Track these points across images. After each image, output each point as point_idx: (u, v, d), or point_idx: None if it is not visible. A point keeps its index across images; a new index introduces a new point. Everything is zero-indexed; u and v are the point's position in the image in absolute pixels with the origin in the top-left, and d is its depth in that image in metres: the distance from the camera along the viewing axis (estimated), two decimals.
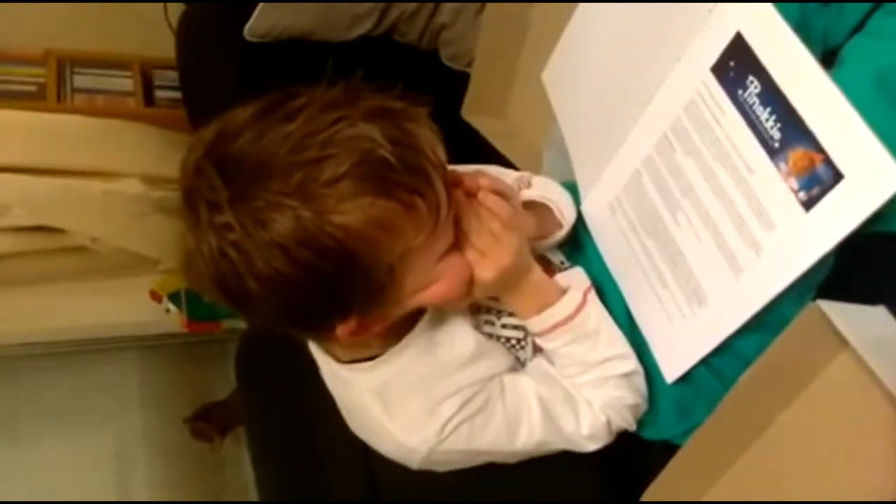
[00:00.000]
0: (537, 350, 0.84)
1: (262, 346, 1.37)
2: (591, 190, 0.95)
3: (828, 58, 0.78)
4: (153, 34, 2.03)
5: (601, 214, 0.93)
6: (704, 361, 0.80)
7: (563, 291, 0.80)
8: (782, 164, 0.68)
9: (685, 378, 0.83)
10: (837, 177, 0.64)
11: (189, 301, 1.93)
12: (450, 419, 0.75)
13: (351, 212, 0.59)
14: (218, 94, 1.70)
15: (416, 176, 0.62)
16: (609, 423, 0.81)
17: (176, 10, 1.96)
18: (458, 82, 1.58)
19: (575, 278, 0.83)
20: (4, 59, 2.04)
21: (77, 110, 1.95)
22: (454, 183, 0.69)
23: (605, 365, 0.81)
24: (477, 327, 0.81)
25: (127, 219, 1.84)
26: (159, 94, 2.16)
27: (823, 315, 0.65)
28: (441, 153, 0.65)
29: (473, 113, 1.56)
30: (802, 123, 0.66)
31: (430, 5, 1.72)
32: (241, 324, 1.70)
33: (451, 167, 0.68)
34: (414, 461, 0.77)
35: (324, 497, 1.24)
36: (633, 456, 0.90)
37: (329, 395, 0.84)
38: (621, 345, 0.82)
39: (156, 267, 1.99)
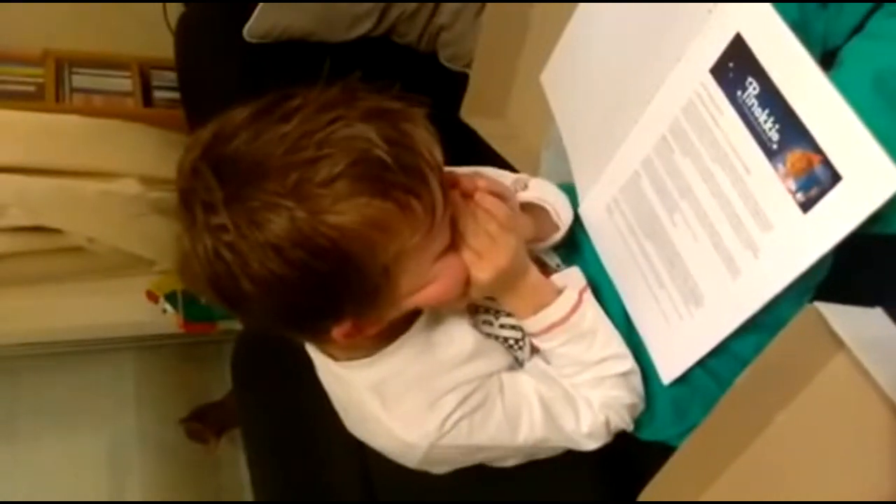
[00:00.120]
0: (535, 350, 0.84)
1: (257, 347, 1.37)
2: (589, 191, 0.95)
3: (827, 59, 0.79)
4: (152, 34, 2.03)
5: (599, 216, 0.93)
6: (701, 362, 0.80)
7: (559, 291, 0.80)
8: (780, 166, 0.68)
9: (682, 379, 0.83)
10: (835, 178, 0.64)
11: (185, 302, 1.93)
12: (450, 414, 0.75)
13: (346, 212, 0.59)
14: (217, 95, 1.70)
15: (413, 176, 0.62)
16: (608, 423, 0.81)
17: (175, 10, 1.97)
18: (457, 83, 1.58)
19: (571, 278, 0.83)
20: (3, 58, 2.04)
21: (75, 110, 1.95)
22: (451, 184, 0.69)
23: (602, 365, 0.81)
24: (475, 327, 0.81)
25: (124, 219, 1.84)
26: (158, 94, 2.16)
27: (820, 316, 0.65)
28: (437, 154, 0.65)
29: (472, 114, 1.56)
30: (801, 125, 0.66)
31: (430, 6, 1.72)
32: (237, 325, 1.70)
33: (447, 168, 0.68)
34: (414, 458, 0.77)
35: (320, 498, 1.23)
36: (631, 456, 0.90)
37: (325, 396, 0.84)
38: (618, 344, 0.82)
39: (152, 267, 1.98)
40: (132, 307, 1.95)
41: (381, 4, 1.71)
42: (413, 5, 1.72)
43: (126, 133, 1.96)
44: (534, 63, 1.16)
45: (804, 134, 0.66)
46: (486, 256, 0.72)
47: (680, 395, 0.86)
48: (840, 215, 0.64)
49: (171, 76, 2.05)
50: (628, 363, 0.82)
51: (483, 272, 0.72)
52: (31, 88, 2.02)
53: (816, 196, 0.65)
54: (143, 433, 1.96)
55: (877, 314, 0.70)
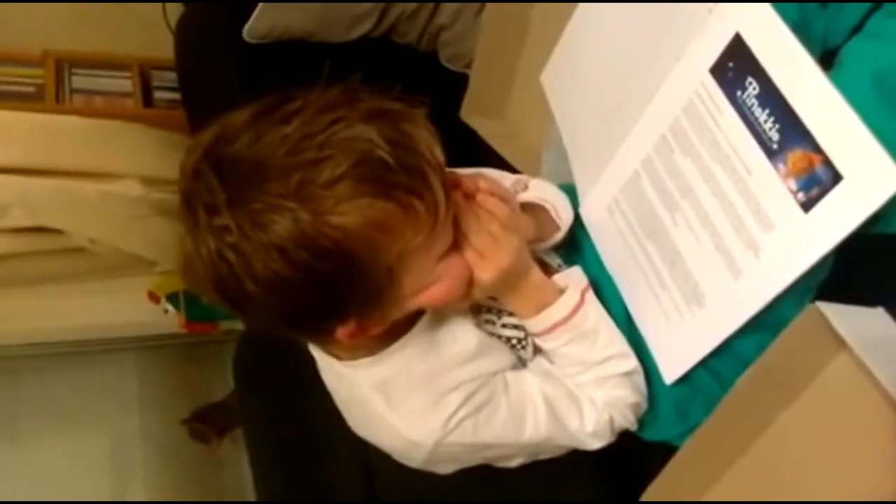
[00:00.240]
0: (538, 350, 0.84)
1: (260, 347, 1.37)
2: (590, 191, 0.95)
3: (827, 59, 0.78)
4: (152, 35, 2.03)
5: (600, 216, 0.93)
6: (703, 362, 0.80)
7: (561, 291, 0.80)
8: (781, 166, 0.68)
9: (684, 379, 0.83)
10: (836, 178, 0.64)
11: (187, 302, 1.93)
12: (455, 412, 0.75)
13: (349, 213, 0.59)
14: (217, 96, 1.70)
15: (414, 177, 0.62)
16: (612, 422, 0.81)
17: (175, 10, 1.97)
18: (457, 83, 1.58)
19: (573, 278, 0.83)
20: (3, 59, 2.04)
21: (75, 111, 1.95)
22: (452, 184, 0.69)
23: (605, 364, 0.81)
24: (477, 326, 0.81)
25: (125, 220, 1.84)
26: (158, 95, 2.16)
27: (822, 316, 0.65)
28: (439, 154, 0.65)
29: (472, 114, 1.56)
30: (801, 124, 0.66)
31: (430, 6, 1.72)
32: (239, 325, 1.70)
33: (449, 169, 0.68)
34: (418, 456, 0.77)
35: (322, 498, 1.23)
36: (633, 456, 0.90)
37: (327, 396, 0.84)
38: (620, 344, 0.82)
39: (153, 268, 1.99)
40: (134, 307, 1.95)
41: (381, 4, 1.71)
42: (413, 5, 1.72)
43: (126, 134, 1.96)
44: (534, 63, 1.16)
45: (804, 134, 0.66)
46: (488, 257, 0.72)
47: (682, 395, 0.86)
48: (841, 215, 0.64)
49: (172, 76, 2.05)
50: (631, 362, 0.82)
51: (486, 272, 0.72)
52: (31, 89, 2.02)
53: (817, 196, 0.65)
54: (145, 433, 1.96)
55: (878, 314, 0.70)
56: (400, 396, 0.76)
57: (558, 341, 0.80)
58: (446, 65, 1.79)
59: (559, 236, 0.90)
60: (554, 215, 0.89)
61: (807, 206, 0.66)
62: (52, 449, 1.86)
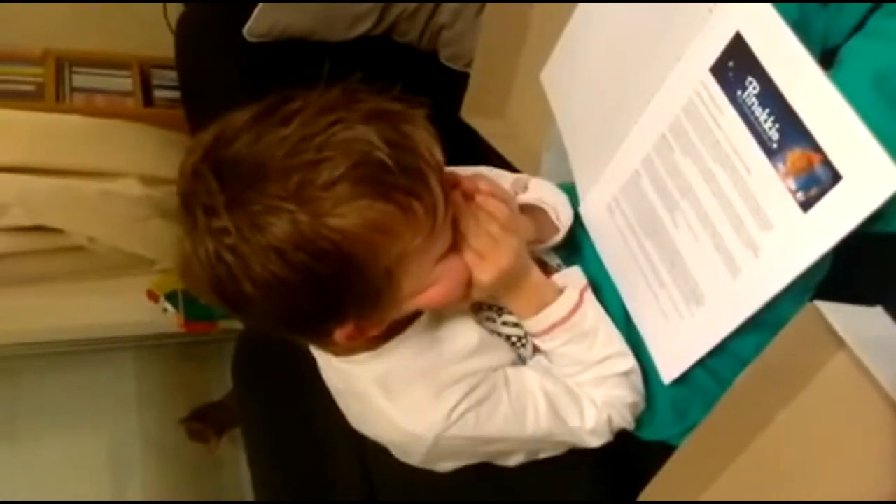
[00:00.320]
0: (538, 349, 0.84)
1: (258, 346, 1.37)
2: (590, 191, 0.95)
3: (827, 58, 0.78)
4: (152, 34, 2.03)
5: (599, 215, 0.93)
6: (702, 362, 0.80)
7: (560, 291, 0.80)
8: (780, 165, 0.68)
9: (682, 378, 0.83)
10: (836, 177, 0.64)
11: (186, 301, 1.93)
12: (456, 405, 0.74)
13: (348, 215, 0.59)
14: (217, 95, 1.70)
15: (413, 178, 0.62)
16: (610, 421, 0.81)
17: (175, 9, 1.97)
18: (457, 83, 1.58)
19: (571, 278, 0.83)
20: (3, 58, 2.04)
21: (76, 110, 1.95)
22: (452, 185, 0.69)
23: (604, 364, 0.81)
24: (478, 324, 0.81)
25: (124, 219, 1.84)
26: (158, 94, 2.16)
27: (821, 315, 0.65)
28: (438, 155, 0.65)
29: (473, 114, 1.56)
30: (801, 124, 0.66)
31: (430, 5, 1.72)
32: (237, 324, 1.70)
33: (448, 169, 0.68)
34: (419, 451, 0.77)
35: (320, 498, 1.23)
36: (631, 456, 0.90)
37: (326, 396, 0.84)
38: (619, 343, 0.82)
39: (153, 267, 1.98)
40: (133, 307, 1.95)
41: (382, 4, 1.71)
42: (413, 4, 1.72)
43: (127, 133, 1.96)
44: (534, 62, 1.16)
45: (804, 133, 0.66)
46: (488, 257, 0.72)
47: (680, 394, 0.86)
48: (840, 214, 0.64)
49: (172, 75, 2.05)
50: (630, 362, 0.82)
51: (485, 273, 0.72)
52: (32, 88, 2.02)
53: (817, 195, 0.65)
54: (143, 433, 1.96)
55: (877, 313, 0.70)
56: (400, 390, 0.76)
57: (557, 341, 0.80)
58: (446, 64, 1.79)
59: (558, 238, 0.90)
60: (553, 217, 0.89)
61: (806, 205, 0.66)
62: (51, 448, 1.86)
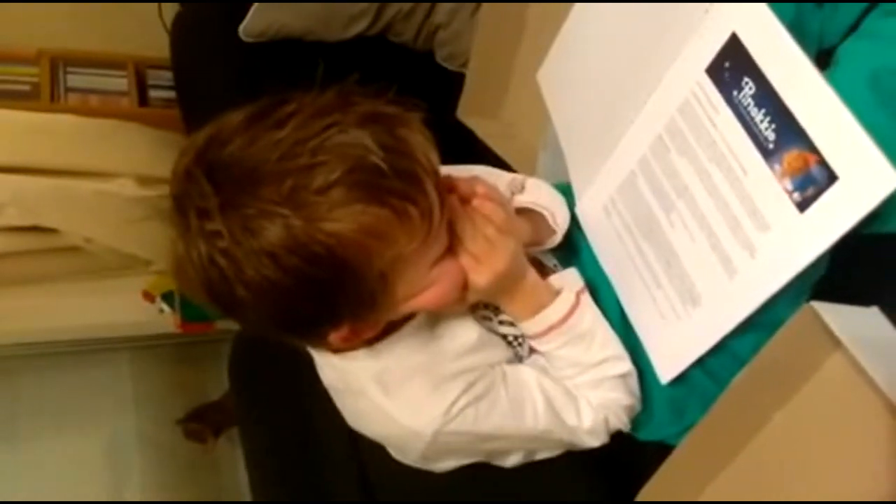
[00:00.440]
0: (533, 349, 0.84)
1: (255, 347, 1.36)
2: (586, 191, 0.95)
3: (822, 58, 0.79)
4: (147, 34, 2.03)
5: (596, 216, 0.93)
6: (699, 362, 0.80)
7: (557, 293, 0.80)
8: (777, 165, 0.68)
9: (680, 379, 0.83)
10: (832, 178, 0.64)
11: (182, 302, 1.92)
12: (455, 401, 0.74)
13: (342, 219, 0.59)
14: (212, 95, 1.70)
15: (409, 183, 0.61)
16: (607, 422, 0.81)
17: (170, 9, 1.96)
18: (453, 83, 1.58)
19: (568, 280, 0.83)
20: None
21: (71, 110, 1.95)
22: (448, 188, 0.69)
23: (601, 366, 0.81)
24: (476, 321, 0.81)
25: (120, 219, 1.84)
26: (153, 93, 2.15)
27: (817, 316, 0.65)
28: (434, 159, 0.65)
29: (469, 114, 1.56)
30: (797, 124, 0.66)
31: (426, 5, 1.72)
32: (234, 325, 1.68)
33: (443, 168, 0.67)
34: (418, 448, 0.76)
35: (318, 498, 1.23)
36: (628, 456, 0.90)
37: (323, 396, 0.84)
38: (616, 346, 0.82)
39: (149, 267, 1.98)
40: (129, 307, 1.95)
41: (377, 4, 1.71)
42: (409, 5, 1.72)
43: (122, 133, 1.95)
44: (530, 62, 1.16)
45: (800, 133, 0.66)
46: (484, 261, 0.72)
47: (677, 394, 0.86)
48: (836, 215, 0.64)
49: (167, 75, 2.05)
50: (626, 365, 0.82)
51: (481, 276, 0.72)
52: (27, 88, 2.01)
53: (813, 196, 0.65)
54: (140, 433, 1.96)
55: (873, 313, 0.70)
56: (398, 386, 0.75)
57: (553, 344, 0.80)
58: (442, 64, 1.79)
59: (556, 240, 0.90)
60: (550, 220, 0.89)
61: (802, 205, 0.66)
62: (49, 449, 1.85)
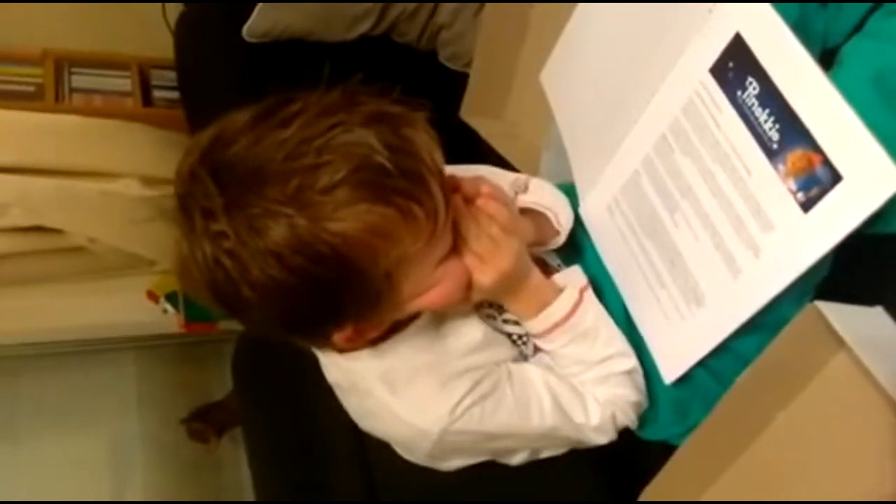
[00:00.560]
0: (539, 347, 0.84)
1: (259, 346, 1.37)
2: (590, 191, 0.95)
3: (826, 58, 0.78)
4: (151, 34, 2.03)
5: (599, 216, 0.93)
6: (703, 362, 0.80)
7: (560, 291, 0.80)
8: (781, 166, 0.68)
9: (683, 378, 0.83)
10: (836, 178, 0.64)
11: (186, 302, 1.93)
12: (461, 399, 0.74)
13: (347, 219, 0.59)
14: (216, 95, 1.70)
15: (414, 182, 0.61)
16: (614, 418, 0.81)
17: (174, 10, 1.96)
18: (456, 83, 1.58)
19: (572, 277, 0.83)
20: (2, 59, 2.04)
21: (75, 110, 1.95)
22: (452, 188, 0.69)
23: (606, 363, 0.81)
24: (481, 320, 0.81)
25: (124, 219, 1.84)
26: (157, 94, 2.16)
27: (821, 316, 0.65)
28: (439, 158, 0.65)
29: (472, 114, 1.56)
30: (801, 124, 0.66)
31: (429, 5, 1.72)
32: (238, 324, 1.69)
33: (447, 168, 0.68)
34: (424, 447, 0.76)
35: (321, 498, 1.23)
36: (631, 456, 0.90)
37: (327, 395, 0.84)
38: (621, 343, 0.82)
39: (152, 267, 1.98)
40: (133, 307, 1.95)
41: (381, 4, 1.71)
42: (412, 5, 1.72)
43: (126, 133, 1.96)
44: (533, 62, 1.16)
45: (804, 133, 0.66)
46: (488, 260, 0.72)
47: (681, 394, 0.86)
48: (841, 215, 0.64)
49: (171, 76, 2.05)
50: (632, 361, 0.82)
51: (485, 276, 0.72)
52: (31, 88, 2.02)
53: (817, 196, 0.65)
54: (143, 433, 1.96)
55: (877, 313, 0.70)
56: (404, 385, 0.75)
57: (558, 342, 0.80)
58: (446, 64, 1.79)
59: (559, 241, 0.90)
60: (554, 221, 0.89)
61: (806, 206, 0.66)
62: (51, 449, 1.86)
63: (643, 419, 0.87)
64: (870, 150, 0.61)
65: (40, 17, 2.01)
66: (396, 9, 1.72)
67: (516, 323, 0.84)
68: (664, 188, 0.82)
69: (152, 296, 1.97)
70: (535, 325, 0.80)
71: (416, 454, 0.79)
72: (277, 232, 0.58)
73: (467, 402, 0.74)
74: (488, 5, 1.48)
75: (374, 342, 0.75)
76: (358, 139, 0.59)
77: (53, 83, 2.02)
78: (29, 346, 1.90)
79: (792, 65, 0.67)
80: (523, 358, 0.84)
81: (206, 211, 0.59)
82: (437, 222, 0.64)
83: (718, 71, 0.74)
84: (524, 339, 0.84)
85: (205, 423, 1.91)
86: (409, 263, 0.65)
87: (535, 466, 0.85)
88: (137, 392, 2.01)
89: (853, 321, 0.65)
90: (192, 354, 2.10)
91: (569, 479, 0.96)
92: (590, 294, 0.82)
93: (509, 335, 0.84)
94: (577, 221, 0.93)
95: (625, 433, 0.85)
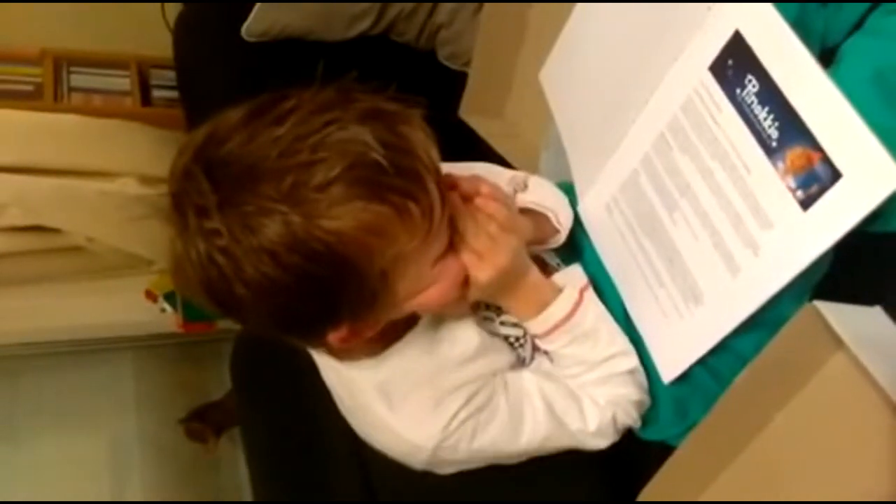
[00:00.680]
0: (537, 348, 0.84)
1: (257, 346, 1.37)
2: (589, 190, 0.95)
3: (826, 56, 0.78)
4: (150, 33, 2.03)
5: (598, 215, 0.93)
6: (702, 361, 0.80)
7: (560, 291, 0.80)
8: (780, 163, 0.68)
9: (682, 378, 0.82)
10: (836, 175, 0.63)
11: (184, 301, 1.93)
12: (455, 414, 0.74)
13: (342, 217, 0.58)
14: (215, 94, 1.70)
15: (410, 180, 0.61)
16: (615, 420, 0.81)
17: (173, 9, 1.97)
18: (455, 82, 1.58)
19: (572, 277, 0.83)
20: (1, 58, 2.04)
21: (74, 110, 1.96)
22: (449, 185, 0.69)
23: (608, 363, 0.81)
24: (477, 325, 0.80)
25: (123, 219, 1.84)
26: (156, 93, 2.16)
27: (820, 315, 0.65)
28: (435, 156, 0.64)
29: (471, 113, 1.56)
30: (801, 122, 0.66)
31: (428, 5, 1.72)
32: (236, 324, 1.70)
33: (443, 166, 0.67)
34: (419, 459, 0.76)
35: (319, 498, 1.23)
36: (630, 456, 0.90)
37: (325, 395, 0.84)
38: (622, 342, 0.82)
39: (151, 267, 1.98)
40: (131, 307, 1.95)
41: (379, 3, 1.71)
42: (411, 4, 1.72)
43: (125, 132, 1.96)
44: (533, 61, 1.16)
45: (804, 131, 0.65)
46: (486, 257, 0.71)
47: (680, 393, 0.86)
48: (840, 213, 0.64)
49: (170, 75, 2.05)
50: (633, 360, 0.82)
51: (483, 273, 0.72)
52: (30, 88, 2.02)
53: (816, 193, 0.65)
54: (142, 433, 1.96)
55: (876, 313, 0.70)
56: (401, 398, 0.75)
57: (559, 342, 0.80)
58: (445, 63, 1.79)
59: (560, 239, 0.89)
60: (554, 220, 0.89)
61: (806, 203, 0.66)
62: (49, 448, 1.86)
63: (644, 419, 0.87)
64: (869, 148, 0.61)
65: (39, 16, 2.01)
66: (395, 8, 1.72)
67: (514, 325, 0.83)
68: (663, 187, 0.82)
69: (151, 295, 1.97)
70: (535, 325, 0.80)
71: (411, 464, 0.79)
72: (271, 229, 0.58)
73: (462, 415, 0.74)
74: (487, 5, 1.48)
75: (374, 350, 0.75)
76: (353, 136, 0.59)
77: (52, 82, 2.03)
78: (27, 346, 1.90)
79: (791, 62, 0.67)
80: (521, 361, 0.84)
81: (199, 209, 0.59)
82: (433, 220, 0.63)
83: (718, 69, 0.74)
84: (521, 341, 0.84)
85: (203, 422, 1.91)
86: (404, 262, 0.64)
87: (535, 466, 0.84)
88: (136, 392, 2.01)
89: (852, 321, 0.65)
90: (191, 354, 2.10)
91: (568, 479, 0.96)
92: (590, 294, 0.82)
93: (506, 338, 0.83)
94: (577, 221, 0.93)
95: (624, 433, 0.85)
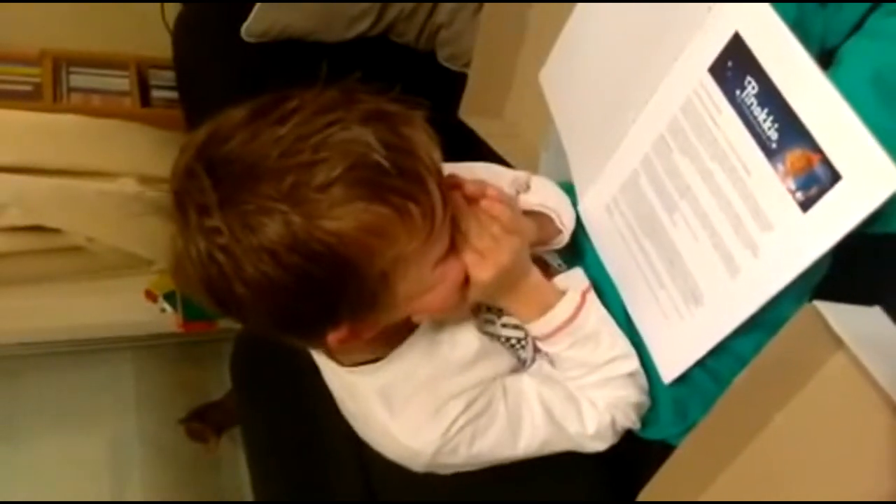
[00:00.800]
0: (538, 350, 0.84)
1: (257, 346, 1.36)
2: (588, 191, 0.95)
3: (825, 58, 0.78)
4: (150, 34, 2.03)
5: (598, 216, 0.93)
6: (701, 362, 0.80)
7: (562, 293, 0.80)
8: (780, 165, 0.68)
9: (682, 378, 0.83)
10: (835, 177, 0.64)
11: (184, 301, 1.93)
12: (454, 421, 0.74)
13: (343, 217, 0.58)
14: (214, 95, 1.70)
15: (411, 181, 0.61)
16: (614, 423, 0.81)
17: (172, 9, 1.96)
18: (455, 83, 1.58)
19: (573, 279, 0.83)
20: (1, 58, 2.04)
21: (73, 110, 1.95)
22: (451, 186, 0.69)
23: (609, 366, 0.81)
24: (477, 328, 0.81)
25: (122, 219, 1.83)
26: (155, 93, 2.16)
27: (819, 315, 0.65)
28: (437, 157, 0.64)
29: (471, 113, 1.56)
30: (800, 124, 0.66)
31: (428, 5, 1.72)
32: (236, 324, 1.70)
33: (446, 166, 0.67)
34: (419, 464, 0.77)
35: (320, 497, 1.23)
36: (630, 456, 0.90)
37: (325, 395, 0.84)
38: (623, 345, 0.82)
39: (151, 267, 1.98)
40: (131, 306, 1.95)
41: (379, 4, 1.71)
42: (411, 4, 1.72)
43: (124, 132, 1.96)
44: (532, 62, 1.16)
45: (803, 133, 0.66)
46: (488, 256, 0.71)
47: (680, 394, 0.86)
48: (839, 214, 0.64)
49: (169, 75, 2.05)
50: (634, 363, 0.82)
51: (484, 272, 0.72)
52: (29, 88, 2.02)
53: (816, 195, 0.65)
54: (142, 433, 1.96)
55: (875, 313, 0.70)
56: (401, 404, 0.76)
57: (561, 345, 0.80)
58: (444, 64, 1.79)
59: (563, 240, 0.89)
60: (557, 222, 0.89)
61: (805, 205, 0.66)
62: (50, 448, 1.86)
63: (646, 419, 0.87)
64: (869, 150, 0.61)
65: (39, 16, 2.01)
66: (395, 9, 1.72)
67: (514, 327, 0.84)
68: (663, 188, 0.82)
69: (151, 295, 1.97)
70: (537, 327, 0.80)
71: (412, 467, 0.79)
72: (272, 229, 0.58)
73: (461, 422, 0.75)
74: (487, 5, 1.48)
75: (374, 351, 0.75)
76: (355, 137, 0.59)
77: (52, 83, 2.02)
78: (27, 346, 1.90)
79: (791, 64, 0.67)
80: (521, 363, 0.84)
81: (200, 207, 0.59)
82: (434, 222, 0.63)
83: (717, 70, 0.74)
84: (522, 343, 0.84)
85: (203, 422, 1.91)
86: (405, 263, 0.64)
87: (535, 466, 0.85)
88: (136, 392, 2.01)
89: (851, 321, 0.65)
90: (191, 354, 2.10)
91: (568, 479, 0.96)
92: (592, 296, 0.82)
93: (507, 339, 0.83)
94: (578, 222, 0.93)
95: (624, 433, 0.85)
